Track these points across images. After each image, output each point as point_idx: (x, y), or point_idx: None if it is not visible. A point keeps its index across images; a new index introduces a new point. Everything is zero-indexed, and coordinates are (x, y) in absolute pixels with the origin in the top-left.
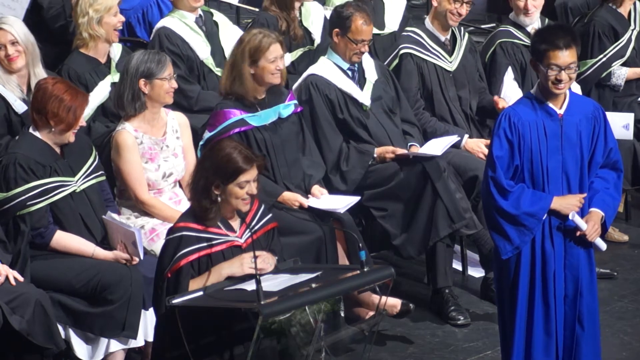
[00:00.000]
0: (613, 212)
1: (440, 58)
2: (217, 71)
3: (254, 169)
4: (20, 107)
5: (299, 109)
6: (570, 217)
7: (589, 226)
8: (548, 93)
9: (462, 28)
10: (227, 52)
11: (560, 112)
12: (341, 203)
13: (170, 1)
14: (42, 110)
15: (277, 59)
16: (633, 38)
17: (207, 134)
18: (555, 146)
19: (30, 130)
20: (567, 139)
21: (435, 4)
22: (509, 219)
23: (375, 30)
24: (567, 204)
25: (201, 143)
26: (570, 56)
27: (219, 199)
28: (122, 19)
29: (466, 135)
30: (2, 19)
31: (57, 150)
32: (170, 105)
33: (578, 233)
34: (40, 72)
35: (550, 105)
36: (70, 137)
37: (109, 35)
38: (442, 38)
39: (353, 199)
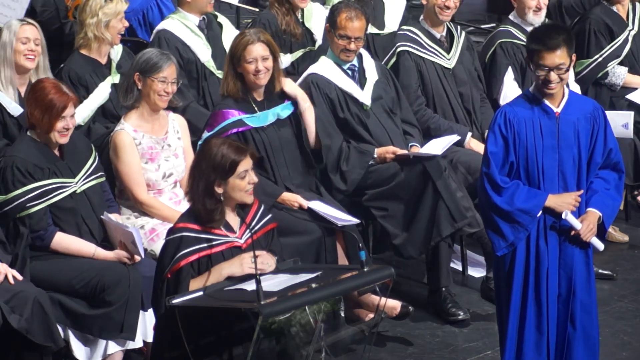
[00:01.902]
0: (613, 213)
1: (438, 55)
2: (219, 73)
3: (248, 158)
4: (15, 109)
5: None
6: (563, 216)
7: (584, 226)
8: (544, 91)
9: (459, 27)
10: None
11: (558, 110)
12: (341, 217)
13: (172, 2)
14: (27, 112)
15: (257, 60)
16: (630, 39)
17: (205, 134)
18: (551, 144)
19: (28, 132)
20: (564, 137)
21: (424, 1)
22: (503, 215)
23: (375, 30)
24: (562, 202)
25: (199, 143)
26: (560, 57)
27: (222, 197)
28: (127, 23)
29: (469, 133)
30: (25, 19)
31: (56, 152)
32: (172, 107)
33: (572, 232)
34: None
35: (548, 103)
36: (58, 138)
37: (113, 39)
38: (437, 35)
39: (352, 219)
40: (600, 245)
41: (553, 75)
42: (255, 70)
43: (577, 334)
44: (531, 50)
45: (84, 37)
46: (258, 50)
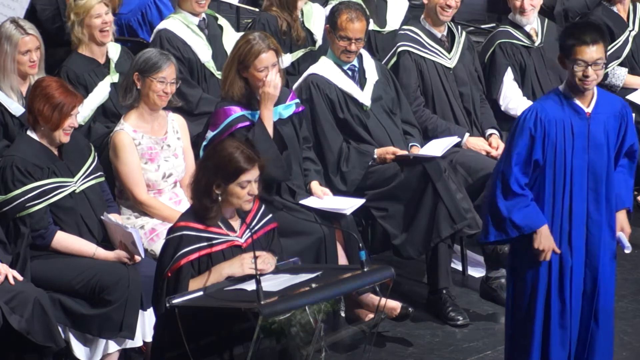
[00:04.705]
0: (631, 196)
1: (439, 55)
2: (218, 74)
3: (255, 169)
4: (17, 109)
5: (300, 109)
6: (617, 238)
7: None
8: (576, 90)
9: (459, 27)
10: None
11: (588, 110)
12: (346, 204)
13: (170, 1)
14: (32, 109)
15: (268, 68)
16: (630, 39)
17: (210, 134)
18: (581, 145)
19: (28, 132)
20: (594, 138)
21: (425, 1)
22: (495, 217)
23: (376, 28)
24: (548, 243)
25: (204, 143)
26: (597, 52)
27: (220, 198)
28: (107, 20)
29: (467, 134)
30: (21, 23)
31: (55, 151)
32: (172, 107)
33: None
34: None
35: (578, 103)
36: (62, 137)
37: (93, 38)
38: (438, 35)
39: (359, 201)
40: (627, 244)
41: (590, 71)
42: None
43: (600, 330)
44: (568, 46)
45: (73, 39)
46: (269, 59)
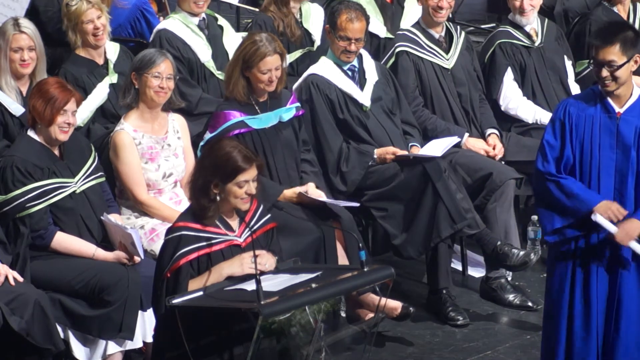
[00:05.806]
0: None
1: (437, 55)
2: (218, 74)
3: (253, 169)
4: (17, 110)
5: (300, 112)
6: (592, 218)
7: (620, 230)
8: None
9: (459, 27)
10: (231, 56)
11: (620, 110)
12: (342, 202)
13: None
14: (29, 107)
15: (271, 70)
16: None
17: (207, 135)
18: (609, 144)
19: (28, 132)
20: (623, 139)
21: (419, 3)
22: (554, 203)
23: (389, 35)
24: (616, 209)
25: (201, 144)
26: (612, 53)
27: (218, 197)
28: (100, 24)
29: (466, 134)
30: (20, 22)
31: (56, 152)
32: (173, 108)
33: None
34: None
35: (611, 102)
36: (58, 134)
37: (87, 42)
38: (436, 35)
39: (353, 202)
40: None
41: (604, 72)
42: (269, 80)
43: (620, 340)
44: (589, 45)
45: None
46: (273, 62)
